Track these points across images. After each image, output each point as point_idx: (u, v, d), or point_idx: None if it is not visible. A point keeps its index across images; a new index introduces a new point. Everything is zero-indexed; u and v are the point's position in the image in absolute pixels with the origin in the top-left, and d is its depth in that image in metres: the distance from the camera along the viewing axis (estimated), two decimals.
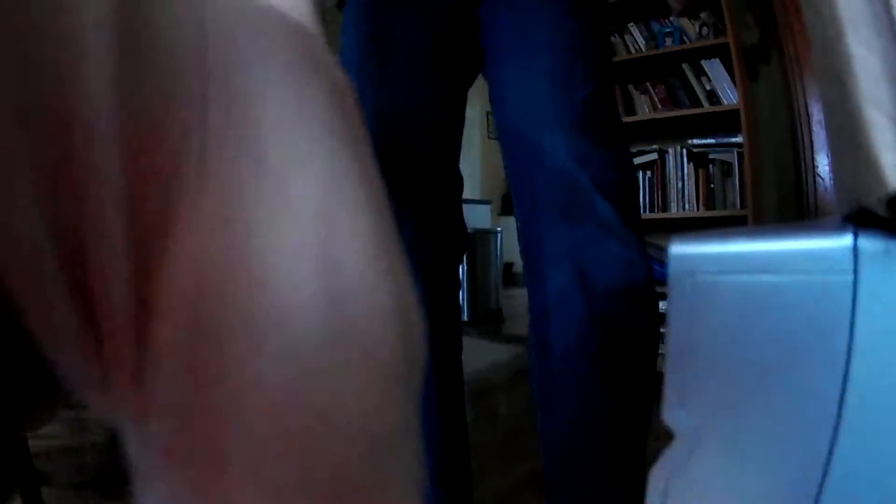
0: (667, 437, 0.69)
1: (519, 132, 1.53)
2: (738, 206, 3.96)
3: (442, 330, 1.69)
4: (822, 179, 3.90)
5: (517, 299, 7.93)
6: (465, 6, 1.61)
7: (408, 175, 1.57)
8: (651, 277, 1.46)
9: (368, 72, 1.59)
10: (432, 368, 1.55)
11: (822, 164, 3.90)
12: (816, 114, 3.95)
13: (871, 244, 0.57)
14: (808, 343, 0.59)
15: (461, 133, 1.75)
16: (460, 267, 1.82)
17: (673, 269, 0.65)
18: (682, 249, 0.65)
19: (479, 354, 4.40)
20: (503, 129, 1.60)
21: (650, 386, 1.49)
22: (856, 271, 0.57)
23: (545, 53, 1.50)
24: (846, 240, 0.57)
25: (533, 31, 1.52)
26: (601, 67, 1.58)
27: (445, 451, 1.69)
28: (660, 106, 4.38)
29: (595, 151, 1.44)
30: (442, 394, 1.67)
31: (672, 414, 0.67)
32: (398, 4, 1.60)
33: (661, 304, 1.50)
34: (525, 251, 1.57)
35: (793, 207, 4.07)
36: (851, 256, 0.57)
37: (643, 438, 1.51)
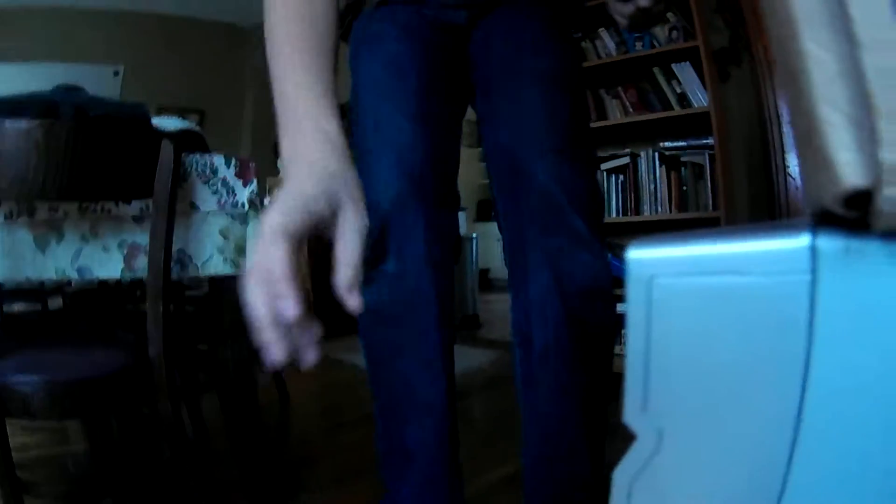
0: (630, 437, 0.69)
1: (508, 158, 1.76)
2: (711, 207, 3.97)
3: (446, 315, 1.81)
4: (794, 179, 3.92)
5: (493, 304, 7.93)
6: (456, 42, 1.88)
7: (420, 189, 1.71)
8: (611, 279, 1.72)
9: (387, 92, 1.79)
10: (440, 346, 1.80)
11: (793, 164, 3.92)
12: (786, 114, 3.96)
13: (829, 244, 0.57)
14: (767, 344, 0.59)
15: (458, 155, 1.91)
16: None
17: (631, 273, 0.65)
18: (639, 254, 0.65)
19: (455, 359, 4.35)
20: (493, 154, 1.84)
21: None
22: (814, 271, 0.57)
23: (531, 90, 1.76)
24: (803, 240, 0.57)
25: (519, 67, 1.79)
26: (577, 94, 1.88)
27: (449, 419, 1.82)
28: (631, 110, 4.39)
29: (569, 173, 1.69)
30: (446, 367, 1.83)
31: (633, 416, 0.67)
32: (406, 35, 1.81)
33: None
34: (511, 260, 1.80)
35: (765, 208, 4.09)
36: (809, 256, 0.57)
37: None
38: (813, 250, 0.57)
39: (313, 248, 6.54)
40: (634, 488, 0.68)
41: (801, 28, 0.59)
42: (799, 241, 0.57)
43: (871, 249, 0.56)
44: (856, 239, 0.56)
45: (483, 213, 10.94)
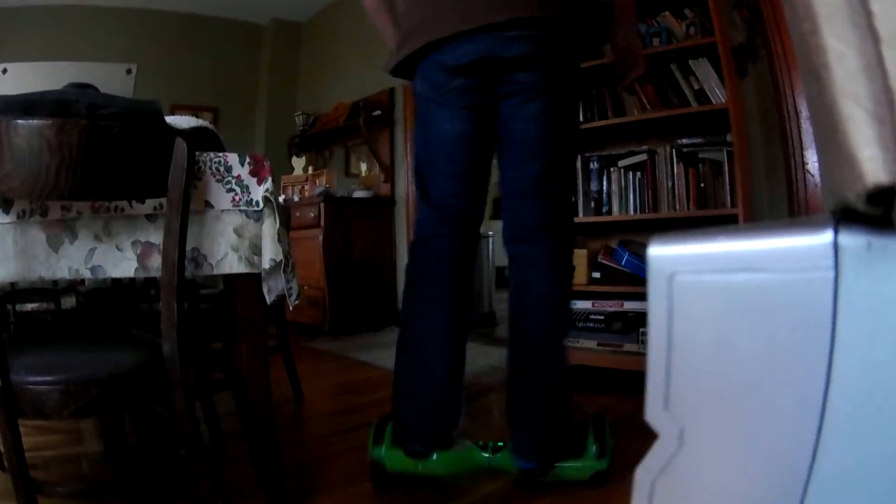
0: (651, 435, 0.68)
1: (515, 198, 2.61)
2: (729, 204, 3.95)
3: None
4: (812, 176, 3.89)
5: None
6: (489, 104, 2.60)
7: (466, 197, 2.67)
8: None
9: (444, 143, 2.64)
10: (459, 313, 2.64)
11: (812, 161, 3.90)
12: (805, 110, 3.94)
13: (851, 240, 0.56)
14: (790, 341, 0.59)
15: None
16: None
17: (652, 270, 0.64)
18: (660, 251, 0.64)
19: (472, 357, 4.36)
20: (506, 180, 2.64)
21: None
22: (836, 268, 0.56)
23: (536, 161, 2.54)
24: (826, 236, 0.56)
25: (531, 131, 2.53)
26: (568, 163, 2.80)
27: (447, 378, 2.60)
28: (648, 106, 4.37)
29: (549, 213, 2.56)
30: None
31: (655, 414, 0.67)
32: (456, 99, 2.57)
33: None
34: (511, 257, 2.65)
35: (783, 205, 4.06)
36: (832, 253, 0.56)
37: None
38: (835, 247, 0.56)
39: (328, 252, 6.55)
40: (656, 488, 0.67)
41: (822, 23, 0.58)
42: (821, 238, 0.57)
43: (893, 246, 0.55)
44: (878, 236, 0.55)
45: (498, 211, 10.94)
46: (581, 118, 4.59)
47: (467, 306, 2.67)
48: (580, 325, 4.46)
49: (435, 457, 2.49)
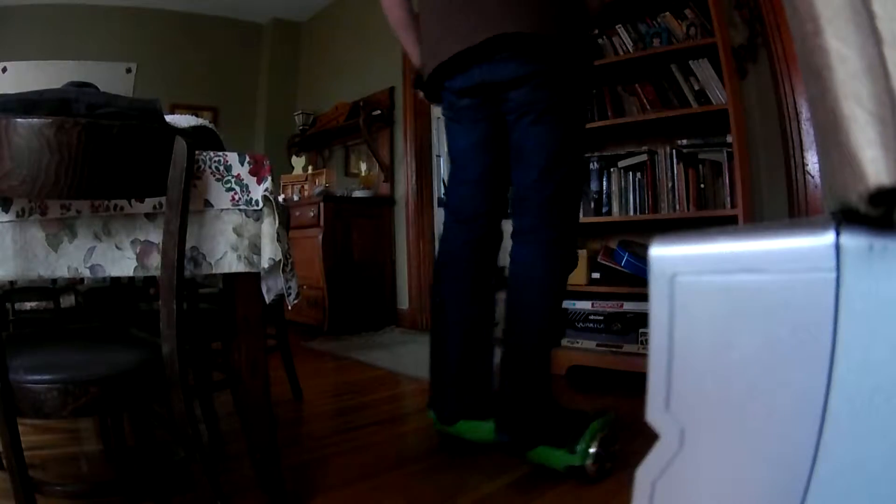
0: (653, 436, 0.68)
1: (517, 202, 2.82)
2: (729, 205, 3.95)
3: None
4: (812, 177, 3.89)
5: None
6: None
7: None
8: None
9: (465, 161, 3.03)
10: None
11: (812, 162, 3.89)
12: (805, 111, 3.94)
13: (853, 241, 0.56)
14: (791, 342, 0.58)
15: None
16: None
17: (653, 270, 0.64)
18: (661, 251, 0.64)
19: None
20: (511, 197, 2.90)
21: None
22: (838, 269, 0.56)
23: (533, 170, 2.74)
24: (828, 238, 0.56)
25: (526, 143, 2.76)
26: (568, 164, 2.77)
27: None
28: (648, 107, 4.37)
29: (541, 223, 2.75)
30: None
31: (656, 415, 0.66)
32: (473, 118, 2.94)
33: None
34: (511, 255, 2.84)
35: (783, 206, 4.06)
36: (834, 254, 0.56)
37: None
38: (837, 248, 0.56)
39: (327, 252, 6.54)
40: (657, 488, 0.67)
41: (824, 24, 0.58)
42: (823, 239, 0.56)
43: (894, 247, 0.55)
44: (880, 237, 0.55)
45: None
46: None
47: (484, 300, 3.02)
48: (579, 325, 4.46)
49: (460, 423, 2.92)
